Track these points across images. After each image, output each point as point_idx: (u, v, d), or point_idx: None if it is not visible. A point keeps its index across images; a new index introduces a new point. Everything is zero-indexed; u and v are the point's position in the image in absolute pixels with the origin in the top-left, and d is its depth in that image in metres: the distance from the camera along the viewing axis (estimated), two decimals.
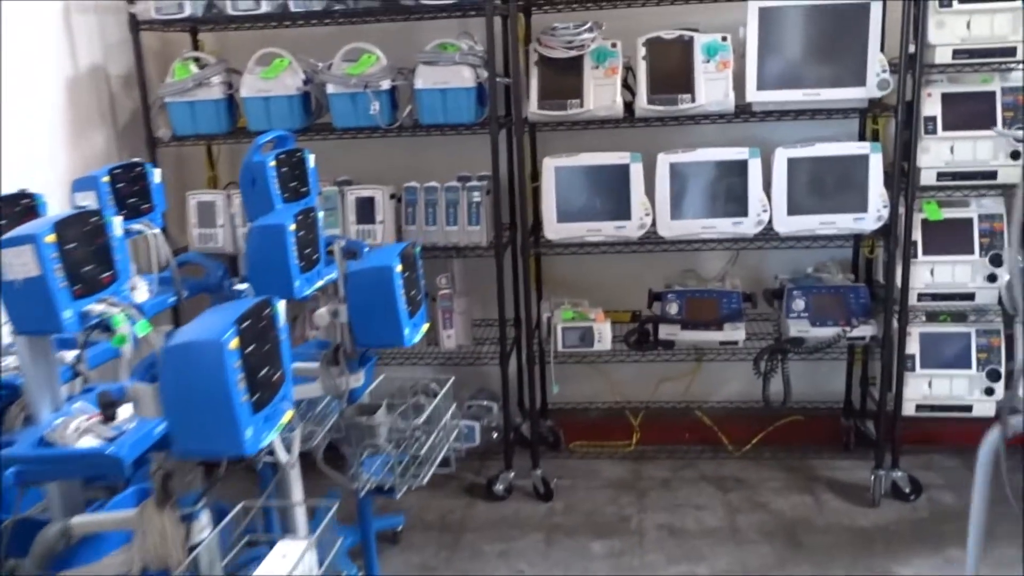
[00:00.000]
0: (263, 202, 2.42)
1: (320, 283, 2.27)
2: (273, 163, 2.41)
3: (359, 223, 3.07)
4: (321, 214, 2.32)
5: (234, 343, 1.34)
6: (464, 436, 3.21)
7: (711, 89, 2.84)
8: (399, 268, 2.01)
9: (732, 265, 3.33)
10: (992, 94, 2.78)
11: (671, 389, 3.54)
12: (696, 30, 2.90)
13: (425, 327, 2.16)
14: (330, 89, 2.98)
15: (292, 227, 2.07)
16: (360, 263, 2.07)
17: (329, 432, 2.20)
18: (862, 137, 3.15)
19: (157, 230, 2.38)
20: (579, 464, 3.41)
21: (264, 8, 2.90)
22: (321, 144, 3.10)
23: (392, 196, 3.09)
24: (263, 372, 1.45)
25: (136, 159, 2.47)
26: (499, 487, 3.19)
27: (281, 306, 1.57)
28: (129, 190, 2.40)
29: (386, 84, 2.94)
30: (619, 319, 3.37)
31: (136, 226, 2.34)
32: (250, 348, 1.40)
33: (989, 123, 2.74)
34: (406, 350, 3.28)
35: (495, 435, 3.26)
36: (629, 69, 2.94)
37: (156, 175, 2.50)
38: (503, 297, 3.05)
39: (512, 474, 3.21)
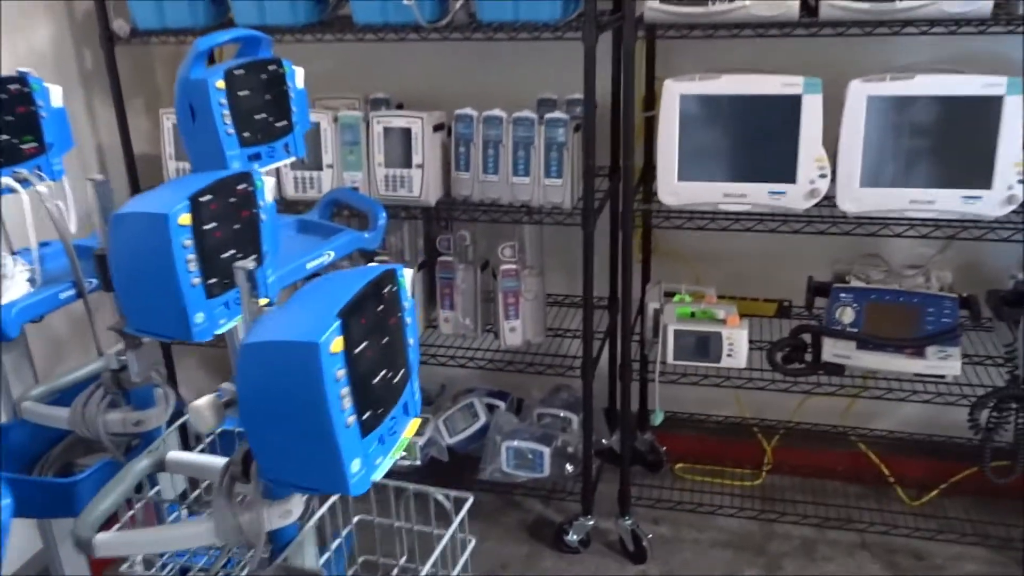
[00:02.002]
0: (206, 146, 1.52)
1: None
2: (221, 83, 1.50)
3: (389, 166, 2.13)
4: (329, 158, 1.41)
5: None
6: (530, 464, 2.33)
7: None
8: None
9: (941, 253, 2.25)
10: None
11: (821, 407, 2.53)
12: None
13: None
14: None
15: (183, 219, 1.16)
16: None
17: None
18: None
19: (43, 186, 1.53)
20: (684, 497, 2.47)
21: None
22: (339, 51, 2.15)
23: (438, 128, 2.13)
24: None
25: (21, 70, 1.58)
26: (573, 536, 2.31)
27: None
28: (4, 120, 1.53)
29: None
30: (758, 311, 2.37)
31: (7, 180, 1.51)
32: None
33: None
34: (450, 345, 2.38)
35: (570, 467, 2.35)
36: None
37: (55, 95, 1.61)
38: (590, 283, 2.08)
39: (591, 521, 2.31)
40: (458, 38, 1.99)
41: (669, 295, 2.27)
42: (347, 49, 2.29)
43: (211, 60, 1.98)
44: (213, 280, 1.22)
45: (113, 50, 2.20)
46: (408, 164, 2.11)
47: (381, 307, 1.01)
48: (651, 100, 2.31)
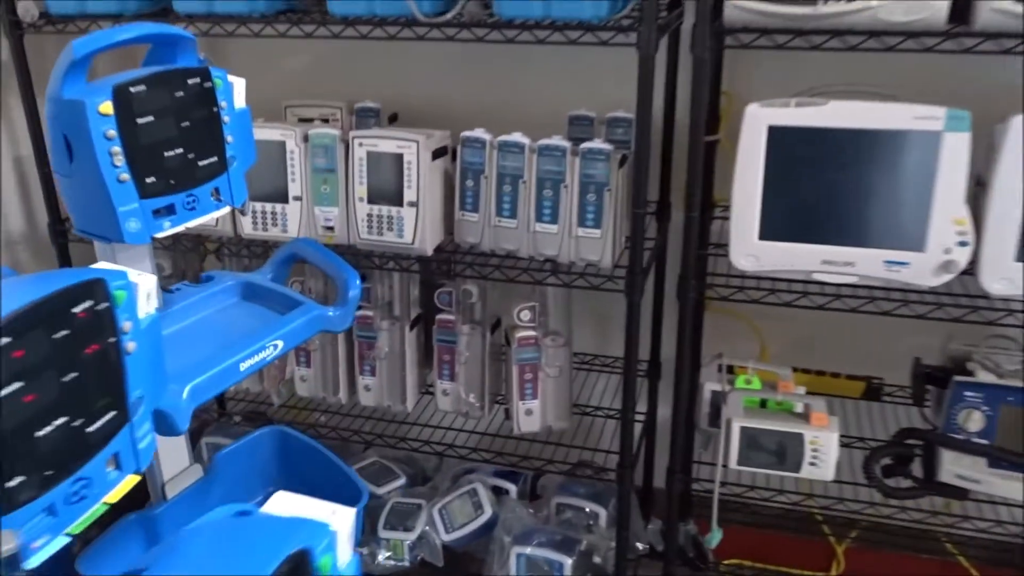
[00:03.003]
0: (89, 194, 1.05)
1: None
2: (107, 106, 1.02)
3: (374, 202, 1.63)
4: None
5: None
6: None
7: None
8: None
9: None
10: None
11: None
12: None
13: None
14: None
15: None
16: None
17: None
18: None
19: None
20: None
21: None
22: (320, 43, 1.65)
23: (439, 153, 1.62)
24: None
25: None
26: None
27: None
28: None
29: None
30: (838, 390, 1.87)
31: None
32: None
33: None
34: (448, 426, 1.89)
35: None
36: None
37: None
38: (633, 354, 1.58)
39: None
40: (468, 39, 1.48)
41: (731, 370, 1.77)
42: (330, 42, 1.80)
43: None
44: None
45: (22, 39, 1.70)
46: (399, 201, 1.60)
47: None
48: (714, 121, 1.79)
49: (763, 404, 1.66)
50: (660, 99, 1.72)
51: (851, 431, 1.84)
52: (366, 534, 1.97)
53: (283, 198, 1.68)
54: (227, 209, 1.20)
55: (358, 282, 1.32)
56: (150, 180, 1.08)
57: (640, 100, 1.39)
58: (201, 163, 1.14)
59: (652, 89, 1.39)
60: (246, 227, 1.72)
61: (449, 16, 1.45)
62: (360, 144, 1.61)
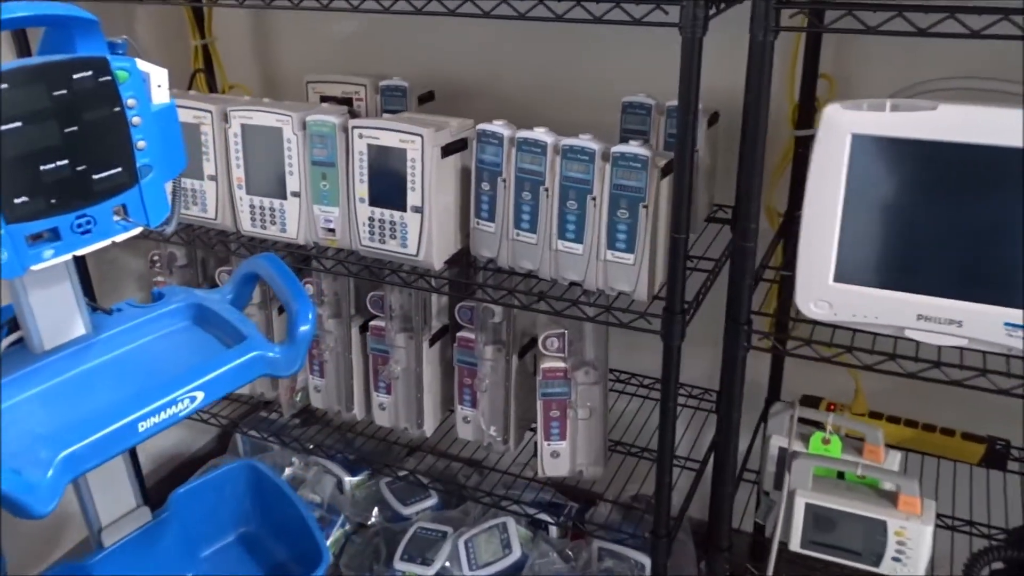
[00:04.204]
0: None
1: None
2: None
3: (376, 204, 1.38)
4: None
5: None
6: None
7: None
8: None
9: None
10: None
11: None
12: None
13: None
14: None
15: None
16: None
17: None
18: None
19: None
20: None
21: None
22: (322, 25, 1.41)
23: (451, 149, 1.35)
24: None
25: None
26: None
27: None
28: None
29: None
30: (950, 451, 1.52)
31: None
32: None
33: None
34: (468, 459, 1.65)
35: None
36: None
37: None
38: (671, 440, 1.28)
39: None
40: (472, 13, 1.19)
41: (807, 423, 1.44)
42: (325, 23, 1.56)
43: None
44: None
45: None
46: (402, 205, 1.35)
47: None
48: (808, 112, 1.43)
49: (841, 477, 1.33)
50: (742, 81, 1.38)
51: (960, 510, 1.48)
52: (381, 563, 1.78)
53: (281, 193, 1.46)
54: (138, 230, 0.98)
55: (310, 315, 1.09)
56: (20, 200, 0.87)
57: (683, 99, 1.07)
58: (97, 176, 0.93)
59: (697, 88, 1.07)
60: (244, 223, 1.52)
61: None
62: (360, 135, 1.36)
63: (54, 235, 0.91)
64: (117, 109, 0.94)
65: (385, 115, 1.47)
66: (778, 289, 1.51)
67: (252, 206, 1.50)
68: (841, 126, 1.05)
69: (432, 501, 1.91)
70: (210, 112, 1.46)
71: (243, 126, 1.45)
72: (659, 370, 1.23)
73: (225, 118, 1.47)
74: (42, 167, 0.89)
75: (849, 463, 1.32)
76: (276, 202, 1.47)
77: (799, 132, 1.45)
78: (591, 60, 1.60)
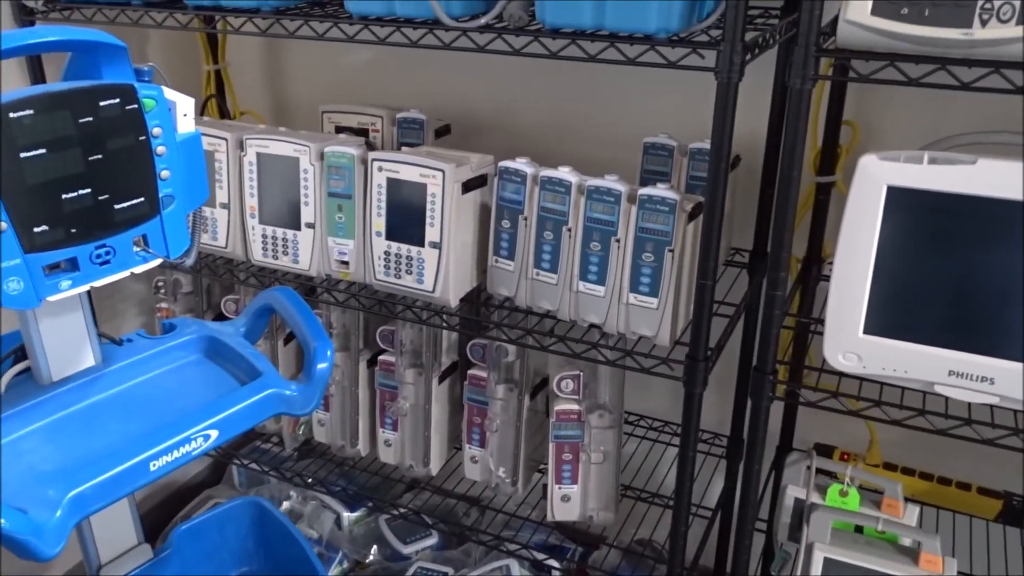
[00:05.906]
0: None
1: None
2: None
3: (392, 238, 1.36)
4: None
5: None
6: None
7: None
8: None
9: None
10: None
11: None
12: None
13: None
14: None
15: None
16: None
17: None
18: None
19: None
20: None
21: None
22: (335, 54, 1.39)
23: (472, 184, 1.33)
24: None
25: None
26: None
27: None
28: None
29: None
30: (965, 505, 1.49)
31: None
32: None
33: None
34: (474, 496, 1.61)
35: None
36: None
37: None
38: (688, 489, 1.25)
39: None
40: (503, 51, 1.17)
41: (822, 473, 1.42)
42: (339, 54, 1.54)
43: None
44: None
45: (33, 25, 1.52)
46: (420, 240, 1.33)
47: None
48: (831, 158, 1.42)
49: (859, 531, 1.30)
50: (764, 124, 1.37)
51: (976, 568, 1.45)
52: None
53: (295, 224, 1.44)
54: (157, 262, 0.96)
55: (328, 352, 1.06)
56: (39, 229, 0.84)
57: (715, 146, 1.06)
58: (119, 206, 0.90)
59: (731, 128, 1.06)
60: (255, 253, 1.49)
61: (483, 21, 1.15)
62: (379, 168, 1.34)
63: (72, 265, 0.88)
64: (143, 138, 0.91)
65: (403, 148, 1.45)
66: (793, 336, 1.49)
67: (264, 236, 1.47)
68: (877, 177, 1.03)
69: (433, 540, 1.87)
70: (226, 139, 1.44)
71: (259, 154, 1.43)
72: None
73: (241, 146, 1.44)
74: (64, 196, 0.86)
75: (869, 517, 1.29)
76: (289, 232, 1.45)
77: (821, 178, 1.43)
78: (609, 97, 1.59)
